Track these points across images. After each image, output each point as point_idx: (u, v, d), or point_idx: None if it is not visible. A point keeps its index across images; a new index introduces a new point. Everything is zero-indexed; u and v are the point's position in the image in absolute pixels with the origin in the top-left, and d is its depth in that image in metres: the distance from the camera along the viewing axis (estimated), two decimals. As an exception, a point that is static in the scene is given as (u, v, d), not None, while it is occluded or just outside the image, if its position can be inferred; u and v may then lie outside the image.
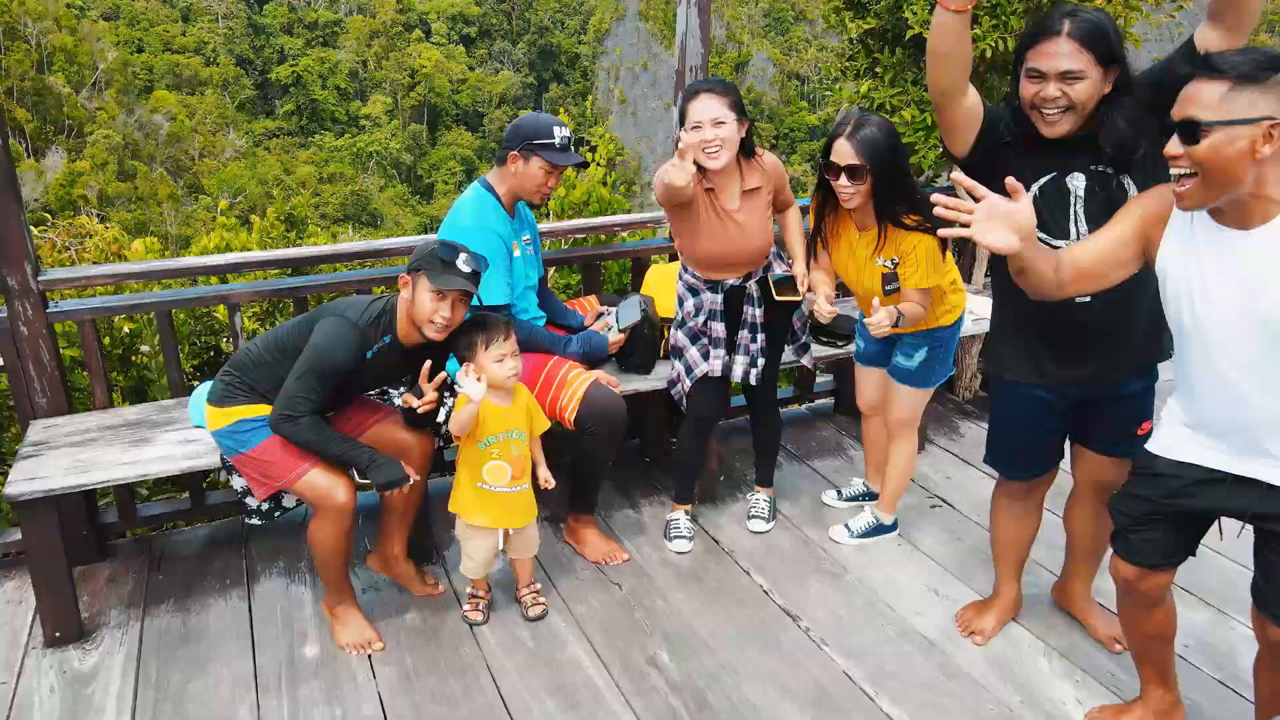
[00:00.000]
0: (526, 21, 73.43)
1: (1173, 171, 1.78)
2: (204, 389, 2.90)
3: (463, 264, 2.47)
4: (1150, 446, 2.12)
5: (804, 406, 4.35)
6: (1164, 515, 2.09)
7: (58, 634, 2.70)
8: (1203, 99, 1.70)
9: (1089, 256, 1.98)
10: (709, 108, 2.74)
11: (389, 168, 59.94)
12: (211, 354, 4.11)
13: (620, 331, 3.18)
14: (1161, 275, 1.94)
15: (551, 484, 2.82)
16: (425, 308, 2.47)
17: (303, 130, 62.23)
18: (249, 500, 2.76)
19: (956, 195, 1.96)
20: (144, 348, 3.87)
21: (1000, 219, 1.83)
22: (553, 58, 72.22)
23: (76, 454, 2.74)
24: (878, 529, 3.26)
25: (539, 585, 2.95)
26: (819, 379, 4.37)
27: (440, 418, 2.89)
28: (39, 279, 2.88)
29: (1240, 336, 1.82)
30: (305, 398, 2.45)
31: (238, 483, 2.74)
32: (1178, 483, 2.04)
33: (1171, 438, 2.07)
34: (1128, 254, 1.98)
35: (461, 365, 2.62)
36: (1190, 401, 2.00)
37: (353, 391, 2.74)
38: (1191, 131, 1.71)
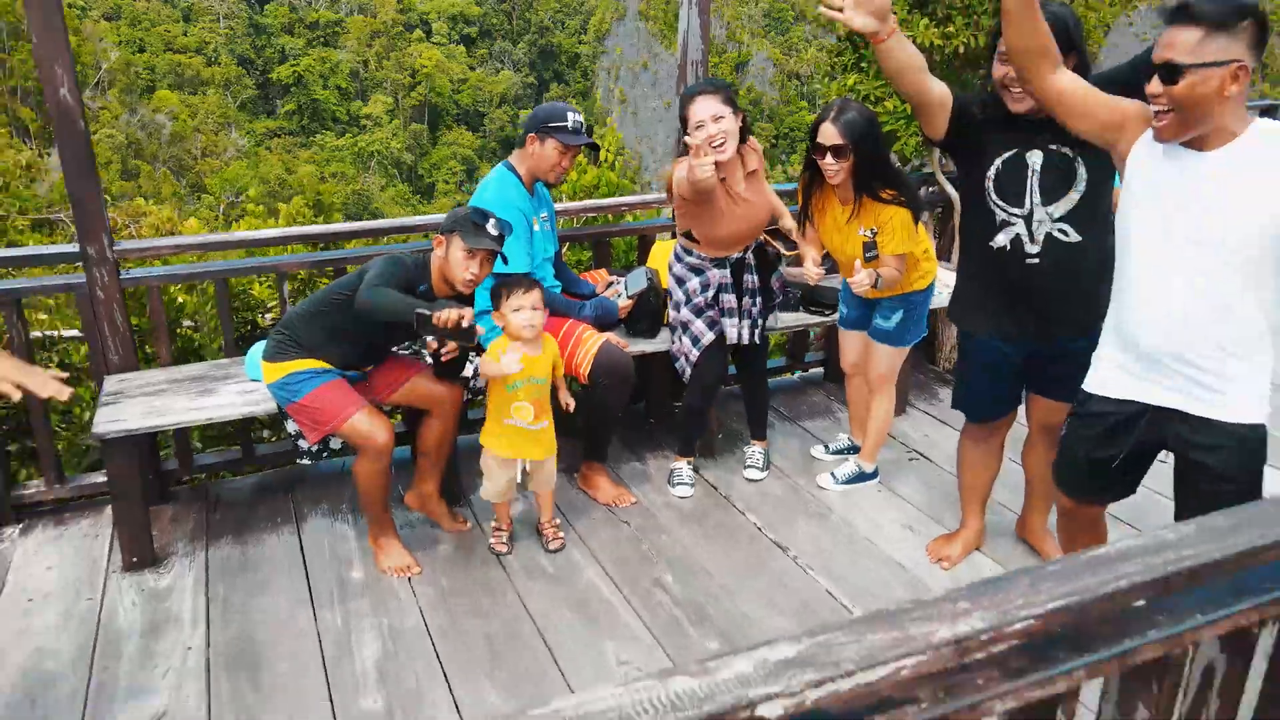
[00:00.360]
0: (527, 21, 73.80)
1: (1153, 108, 2.04)
2: (259, 347, 3.28)
3: (491, 228, 2.86)
4: (1085, 385, 2.45)
5: (796, 375, 4.73)
6: (1099, 452, 2.41)
7: (135, 559, 3.09)
8: (1180, 43, 1.95)
9: (1080, 89, 2.24)
10: (707, 107, 3.10)
11: (390, 167, 60.30)
12: (249, 328, 4.49)
13: (628, 298, 3.57)
14: (1128, 175, 2.19)
15: (572, 406, 3.19)
16: (458, 264, 2.85)
17: (304, 130, 62.58)
18: (301, 443, 3.14)
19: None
20: (186, 322, 4.25)
21: None
22: (553, 57, 72.59)
23: (150, 402, 3.12)
24: (860, 476, 3.64)
25: (559, 521, 3.33)
26: (810, 353, 4.75)
27: (468, 372, 3.27)
28: (114, 249, 3.25)
29: (1184, 250, 2.09)
30: (378, 280, 2.80)
31: (291, 427, 3.12)
32: (1112, 419, 2.35)
33: (1104, 374, 2.36)
34: (1103, 116, 2.21)
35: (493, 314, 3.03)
36: (1126, 323, 2.24)
37: (391, 341, 3.13)
38: (1171, 73, 1.96)
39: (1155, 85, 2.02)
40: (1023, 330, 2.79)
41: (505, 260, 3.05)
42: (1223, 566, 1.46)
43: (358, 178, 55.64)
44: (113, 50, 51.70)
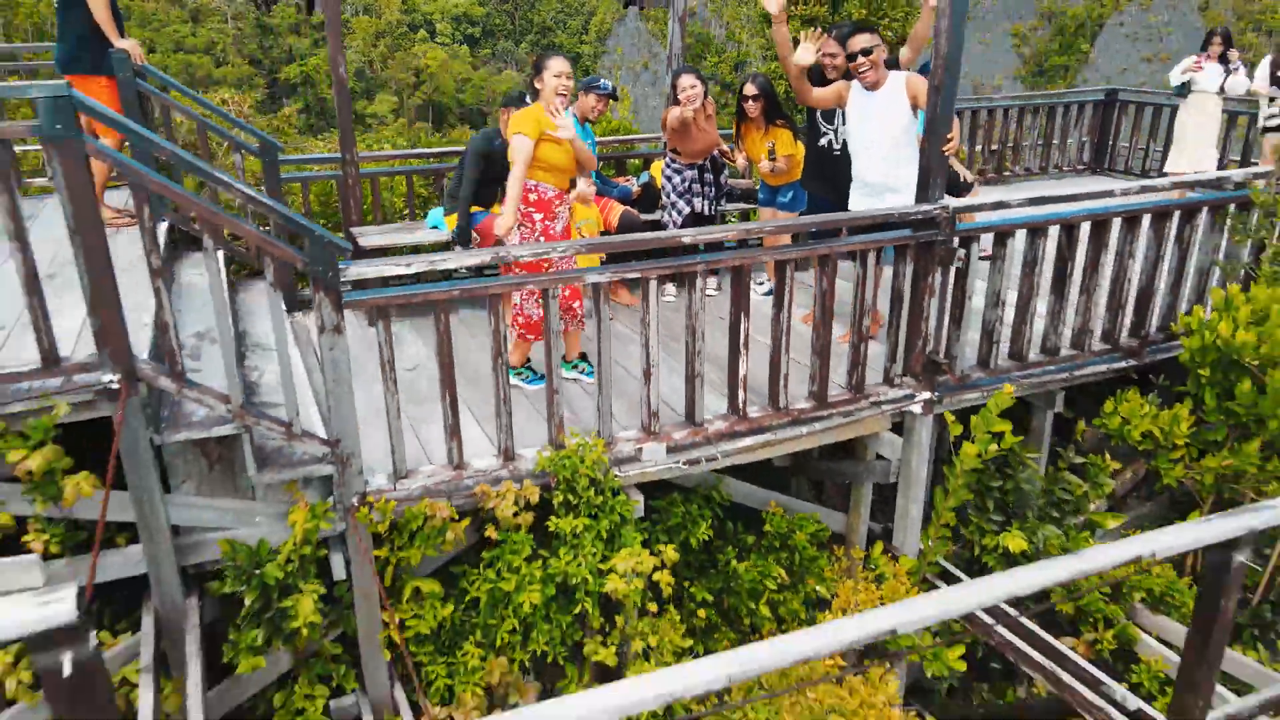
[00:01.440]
0: (529, 22, 76.92)
1: (861, 70, 4.97)
2: (435, 211, 6.19)
3: (532, 101, 5.74)
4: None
5: (744, 254, 7.62)
6: None
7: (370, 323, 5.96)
8: (864, 40, 4.90)
9: (819, 95, 5.17)
10: (687, 79, 6.02)
11: (396, 165, 63.12)
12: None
13: (638, 187, 6.48)
14: (848, 109, 5.12)
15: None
16: None
17: (311, 129, 65.44)
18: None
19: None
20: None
21: None
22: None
23: (380, 239, 6.01)
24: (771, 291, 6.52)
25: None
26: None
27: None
28: (357, 156, 6.14)
29: (867, 139, 5.03)
30: (466, 188, 5.71)
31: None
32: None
33: (852, 200, 5.30)
34: (833, 99, 5.16)
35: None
36: (859, 174, 5.20)
37: (494, 178, 5.99)
38: (866, 52, 4.91)
39: (859, 60, 4.93)
40: (830, 189, 5.68)
41: None
42: (835, 223, 4.38)
43: (366, 174, 58.22)
44: (131, 51, 54.73)
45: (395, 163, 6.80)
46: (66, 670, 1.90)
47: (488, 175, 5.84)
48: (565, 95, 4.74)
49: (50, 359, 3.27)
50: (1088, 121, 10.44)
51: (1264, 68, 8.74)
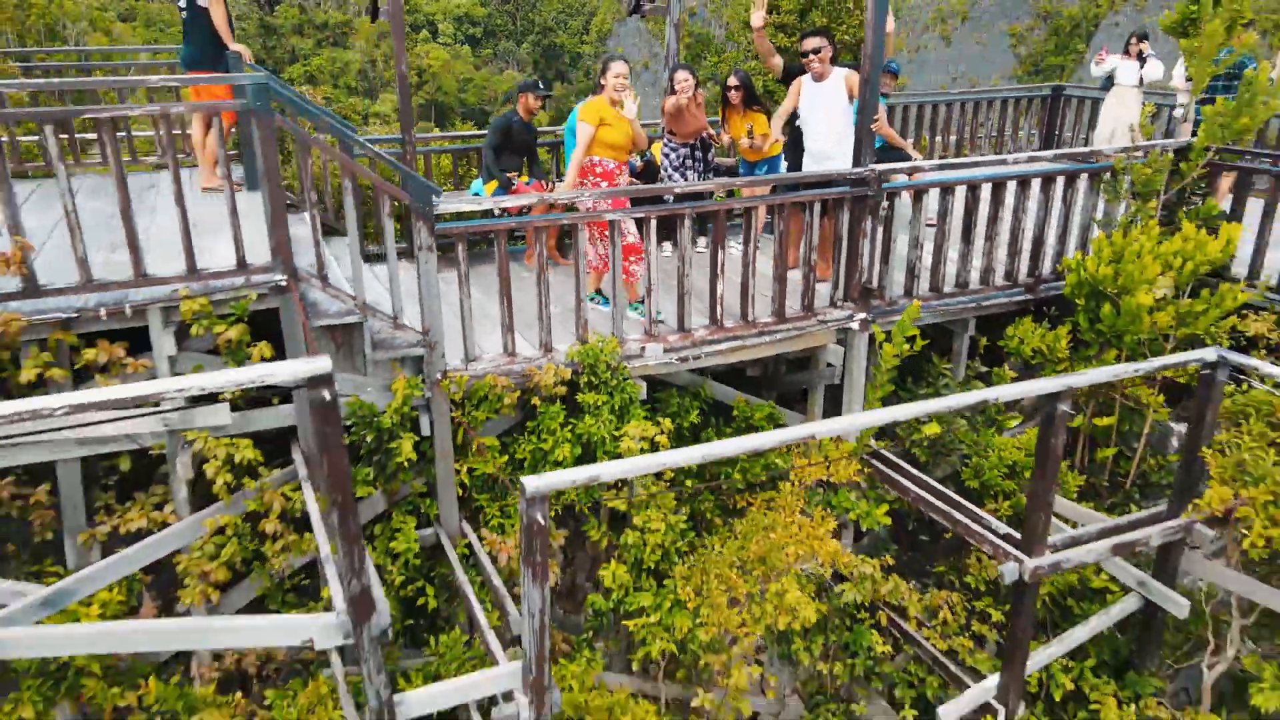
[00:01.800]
0: (530, 22, 78.62)
1: (813, 67, 6.57)
2: (477, 181, 7.78)
3: (544, 87, 7.34)
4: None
5: (729, 222, 9.21)
6: None
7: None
8: (817, 41, 6.53)
9: (789, 97, 6.80)
10: (682, 74, 7.60)
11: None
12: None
13: (640, 163, 8.07)
14: (801, 98, 6.75)
15: None
16: (531, 104, 7.34)
17: (315, 128, 67.03)
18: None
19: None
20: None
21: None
22: (556, 57, 77.30)
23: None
24: (750, 247, 8.11)
25: (610, 259, 7.81)
26: (738, 211, 9.23)
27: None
28: (414, 137, 7.71)
29: (815, 119, 6.64)
30: (489, 157, 7.30)
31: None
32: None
33: (804, 165, 6.87)
34: (794, 92, 6.79)
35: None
36: (809, 145, 6.81)
37: (513, 150, 7.57)
38: (817, 50, 6.52)
39: (811, 58, 6.54)
40: (797, 158, 7.26)
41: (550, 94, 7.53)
42: (791, 180, 6.00)
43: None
44: (143, 51, 56.39)
45: (444, 142, 8.38)
46: (327, 398, 3.47)
47: (506, 146, 7.49)
48: (622, 91, 6.33)
49: (241, 263, 4.84)
50: (1036, 114, 12.01)
51: (1180, 65, 10.32)
